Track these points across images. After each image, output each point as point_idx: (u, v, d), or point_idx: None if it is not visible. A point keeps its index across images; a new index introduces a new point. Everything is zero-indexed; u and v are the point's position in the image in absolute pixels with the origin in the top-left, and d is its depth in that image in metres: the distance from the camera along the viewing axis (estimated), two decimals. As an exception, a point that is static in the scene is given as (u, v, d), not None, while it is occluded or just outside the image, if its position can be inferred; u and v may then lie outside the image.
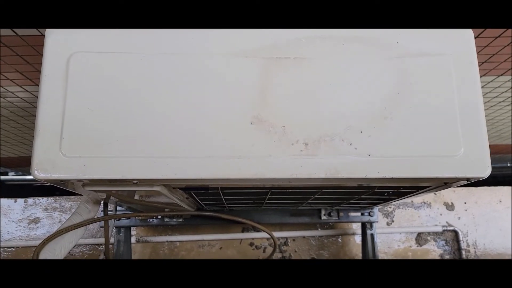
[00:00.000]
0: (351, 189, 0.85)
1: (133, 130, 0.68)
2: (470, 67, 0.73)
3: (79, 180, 0.68)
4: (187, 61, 0.71)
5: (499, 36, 1.06)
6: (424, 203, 1.55)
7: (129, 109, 0.69)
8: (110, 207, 1.16)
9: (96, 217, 0.95)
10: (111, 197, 1.02)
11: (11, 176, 2.75)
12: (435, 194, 1.56)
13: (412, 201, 1.55)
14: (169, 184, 0.74)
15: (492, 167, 0.71)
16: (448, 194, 1.56)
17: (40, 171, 0.67)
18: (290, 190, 0.85)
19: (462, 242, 1.48)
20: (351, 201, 1.03)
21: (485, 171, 0.69)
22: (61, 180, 0.68)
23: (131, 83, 0.69)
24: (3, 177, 2.61)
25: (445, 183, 0.76)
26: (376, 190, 0.83)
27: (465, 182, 0.74)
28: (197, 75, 0.70)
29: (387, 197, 1.03)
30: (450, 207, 1.55)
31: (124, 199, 0.99)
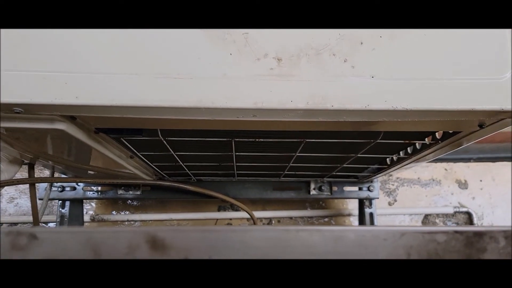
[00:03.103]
0: (345, 138, 0.62)
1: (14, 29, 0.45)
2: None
3: None
4: None
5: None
6: (433, 180, 1.32)
7: None
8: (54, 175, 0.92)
9: (11, 179, 0.72)
10: (40, 159, 0.80)
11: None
12: (446, 170, 1.33)
13: (418, 178, 1.32)
14: (79, 120, 0.51)
15: None
16: (461, 170, 1.33)
17: None
18: (261, 141, 0.62)
19: (476, 226, 1.26)
20: (346, 165, 0.79)
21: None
22: None
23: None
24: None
25: (481, 125, 0.53)
26: (379, 141, 0.60)
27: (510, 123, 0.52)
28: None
29: (394, 157, 0.80)
30: (463, 185, 1.32)
31: (50, 157, 0.76)
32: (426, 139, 0.66)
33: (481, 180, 1.33)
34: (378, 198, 1.09)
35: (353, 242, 0.24)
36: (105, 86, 0.45)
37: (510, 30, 0.46)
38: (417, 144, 0.71)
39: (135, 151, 0.66)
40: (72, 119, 0.50)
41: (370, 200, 1.10)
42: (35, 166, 0.83)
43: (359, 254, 0.23)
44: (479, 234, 0.25)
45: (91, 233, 0.23)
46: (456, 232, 0.24)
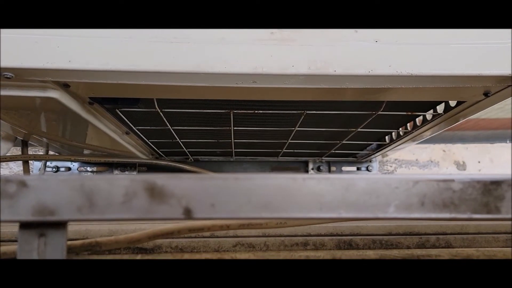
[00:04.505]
0: (346, 110, 0.60)
1: (2, -10, 0.42)
2: None
3: None
4: None
5: None
6: (431, 161, 1.32)
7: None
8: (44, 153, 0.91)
9: (3, 156, 0.70)
10: (34, 136, 0.78)
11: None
12: (444, 151, 1.32)
13: (416, 159, 1.32)
14: (73, 89, 0.49)
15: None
16: (459, 151, 1.33)
17: None
18: (260, 112, 0.60)
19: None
20: (346, 141, 0.78)
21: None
22: None
23: None
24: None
25: (486, 93, 0.51)
26: (381, 112, 0.59)
27: (516, 92, 0.50)
28: None
29: (393, 134, 0.79)
30: (461, 166, 1.32)
31: (44, 133, 0.74)
32: (427, 113, 0.65)
33: (479, 162, 1.32)
34: (376, 178, 1.08)
35: (364, 190, 0.22)
36: (99, 50, 0.43)
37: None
38: (417, 119, 0.70)
39: (131, 125, 0.64)
40: (65, 87, 0.48)
41: (368, 180, 1.08)
42: (29, 146, 0.81)
43: (370, 202, 0.22)
44: (497, 182, 0.23)
45: (85, 179, 0.22)
46: (473, 180, 0.23)
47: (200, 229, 0.29)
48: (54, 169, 1.00)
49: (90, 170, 1.06)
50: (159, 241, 0.42)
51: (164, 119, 0.61)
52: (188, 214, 0.21)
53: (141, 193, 0.21)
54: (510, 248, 0.35)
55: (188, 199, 0.22)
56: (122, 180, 0.22)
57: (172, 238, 0.41)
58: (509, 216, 0.22)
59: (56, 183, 0.21)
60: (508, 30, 0.45)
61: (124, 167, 1.02)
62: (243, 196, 0.22)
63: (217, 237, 0.44)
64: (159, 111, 0.57)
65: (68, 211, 0.21)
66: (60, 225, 0.22)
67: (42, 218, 0.21)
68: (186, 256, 0.39)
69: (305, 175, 0.23)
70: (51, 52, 0.42)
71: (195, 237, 0.44)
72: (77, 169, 1.03)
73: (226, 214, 0.22)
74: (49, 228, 0.22)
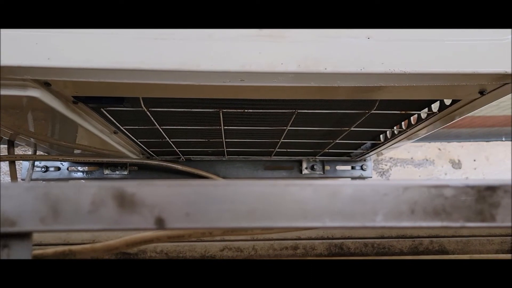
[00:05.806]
0: (339, 108, 0.59)
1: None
2: None
3: None
4: None
5: None
6: (426, 160, 1.31)
7: None
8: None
9: (-12, 156, 0.68)
10: (21, 135, 0.76)
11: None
12: (440, 149, 1.31)
13: (412, 158, 1.30)
14: (55, 87, 0.47)
15: None
16: (454, 149, 1.32)
17: None
18: (250, 111, 0.59)
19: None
20: (339, 140, 0.77)
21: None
22: None
23: None
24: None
25: (481, 92, 0.50)
26: (374, 112, 0.57)
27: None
28: None
29: (387, 132, 0.77)
30: (456, 164, 1.31)
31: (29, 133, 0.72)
32: (421, 112, 0.64)
33: (474, 160, 1.31)
34: (371, 177, 1.07)
35: (350, 197, 0.21)
36: (80, 47, 0.41)
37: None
38: (411, 118, 0.68)
39: (118, 125, 0.62)
40: (46, 85, 0.46)
41: (363, 179, 1.07)
42: (18, 146, 0.79)
43: (356, 211, 0.21)
44: (492, 188, 0.22)
45: (49, 187, 0.20)
46: (467, 186, 0.22)
47: (180, 236, 0.28)
48: (43, 169, 0.98)
49: (81, 169, 1.04)
50: (143, 246, 0.41)
51: (152, 118, 0.59)
52: (160, 224, 0.20)
53: (109, 202, 0.20)
54: (506, 255, 0.33)
55: (161, 208, 0.20)
56: (89, 188, 0.20)
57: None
58: (504, 224, 0.21)
59: (18, 192, 0.20)
60: (507, 30, 0.44)
61: (115, 166, 1.00)
62: (222, 204, 0.20)
63: (204, 241, 0.43)
64: (145, 110, 0.55)
65: (30, 222, 0.20)
66: (24, 235, 0.21)
67: (3, 229, 0.19)
68: (170, 262, 0.38)
69: (287, 182, 0.21)
70: (30, 50, 0.41)
71: (181, 241, 0.42)
72: (67, 169, 1.01)
73: (202, 223, 0.20)
74: (12, 239, 0.20)
